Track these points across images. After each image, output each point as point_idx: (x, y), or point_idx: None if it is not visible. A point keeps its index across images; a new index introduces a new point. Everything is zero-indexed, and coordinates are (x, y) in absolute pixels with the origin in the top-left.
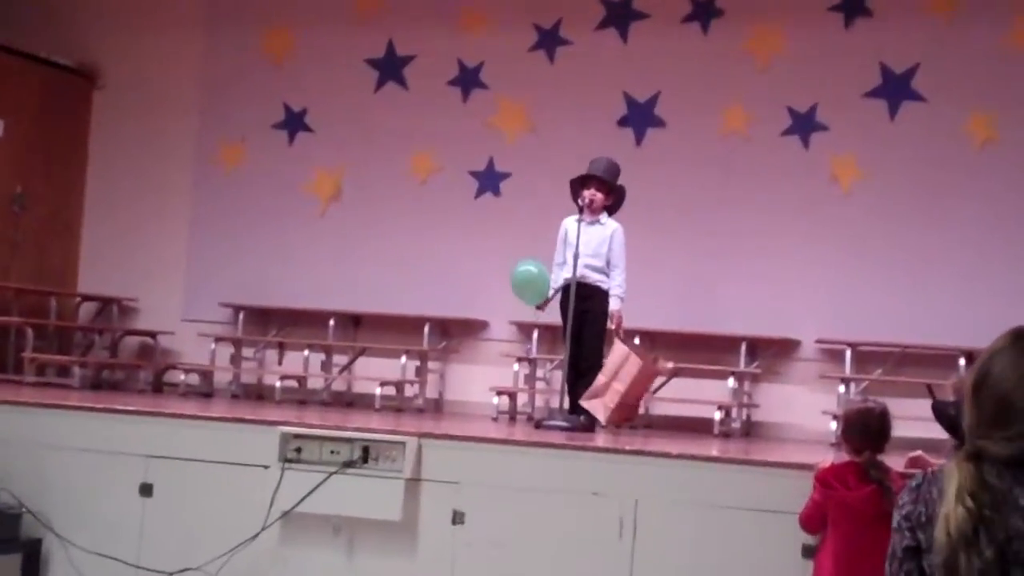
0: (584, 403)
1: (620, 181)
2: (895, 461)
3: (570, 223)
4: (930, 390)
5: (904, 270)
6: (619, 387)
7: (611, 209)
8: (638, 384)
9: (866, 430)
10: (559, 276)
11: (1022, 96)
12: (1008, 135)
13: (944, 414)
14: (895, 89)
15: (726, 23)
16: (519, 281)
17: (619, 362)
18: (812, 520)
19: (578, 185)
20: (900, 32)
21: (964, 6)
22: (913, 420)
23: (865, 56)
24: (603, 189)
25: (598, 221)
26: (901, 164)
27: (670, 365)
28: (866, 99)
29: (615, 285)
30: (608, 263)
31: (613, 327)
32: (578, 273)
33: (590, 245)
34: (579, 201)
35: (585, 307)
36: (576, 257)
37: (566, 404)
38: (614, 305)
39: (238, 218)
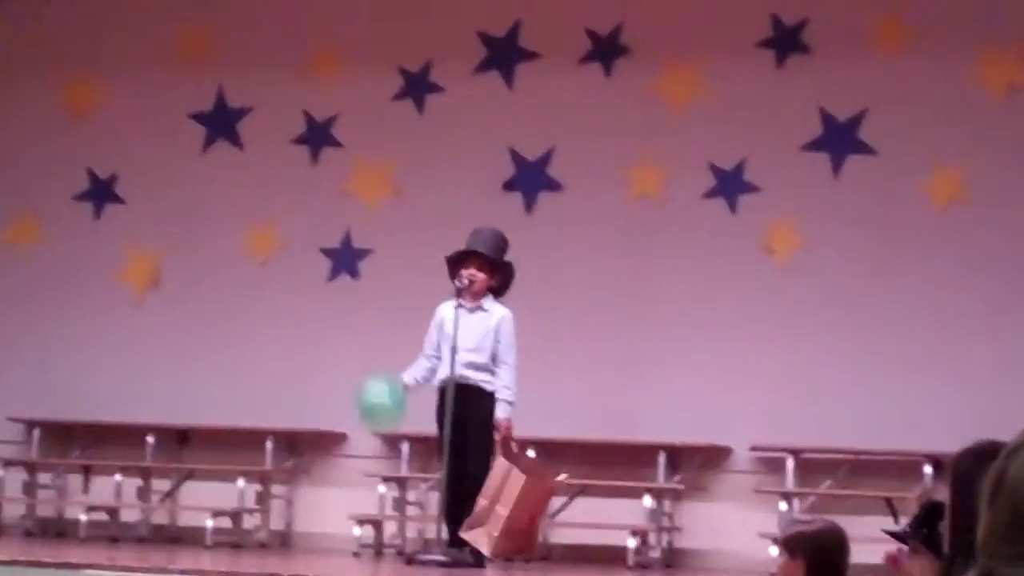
0: (465, 534)
1: (508, 257)
2: None
3: (447, 310)
4: (890, 505)
5: (855, 359)
6: (503, 511)
7: (497, 291)
8: (527, 504)
9: (835, 558)
10: (439, 372)
11: (993, 144)
12: (978, 192)
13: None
14: (839, 140)
15: (633, 63)
16: (366, 411)
17: (501, 479)
18: None
19: (456, 263)
20: (843, 71)
21: (919, 39)
22: (870, 543)
23: (802, 101)
24: (486, 268)
25: (481, 307)
26: (849, 230)
27: (563, 477)
28: (804, 152)
29: (502, 387)
30: (493, 358)
31: (500, 439)
32: (457, 372)
33: (471, 337)
34: (457, 282)
35: (466, 414)
36: (454, 352)
37: (445, 534)
38: (501, 412)
39: (30, 311)
